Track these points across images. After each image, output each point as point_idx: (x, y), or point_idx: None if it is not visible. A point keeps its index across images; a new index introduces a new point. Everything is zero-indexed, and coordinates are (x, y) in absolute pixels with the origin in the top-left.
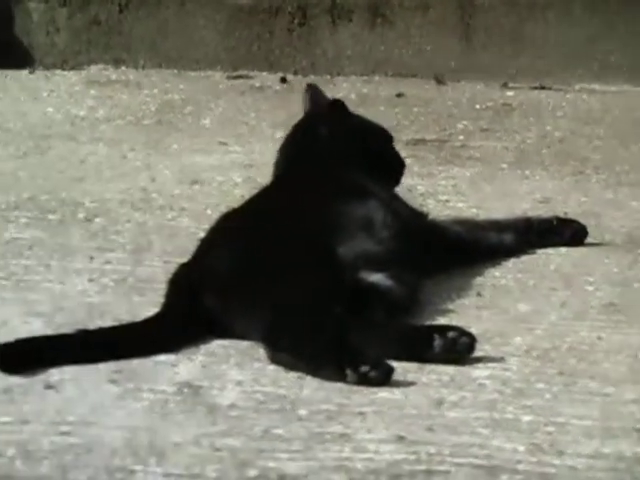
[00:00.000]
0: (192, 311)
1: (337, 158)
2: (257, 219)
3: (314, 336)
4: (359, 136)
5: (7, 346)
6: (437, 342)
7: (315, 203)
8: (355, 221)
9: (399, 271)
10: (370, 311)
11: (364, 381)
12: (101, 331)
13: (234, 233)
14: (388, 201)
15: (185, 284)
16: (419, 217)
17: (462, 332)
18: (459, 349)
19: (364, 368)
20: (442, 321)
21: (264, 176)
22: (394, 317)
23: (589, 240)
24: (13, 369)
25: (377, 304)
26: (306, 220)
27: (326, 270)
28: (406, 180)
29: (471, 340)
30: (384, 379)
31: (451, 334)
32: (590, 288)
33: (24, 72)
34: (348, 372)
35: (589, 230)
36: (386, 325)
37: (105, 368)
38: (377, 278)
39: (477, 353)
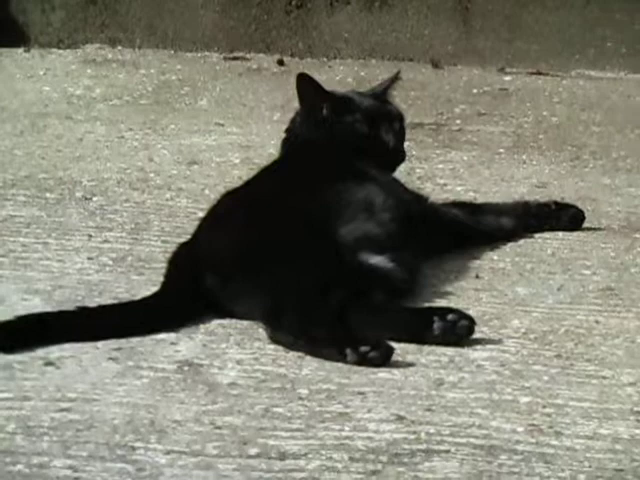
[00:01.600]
0: (192, 290)
1: (340, 141)
2: (258, 200)
3: (314, 317)
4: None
5: (6, 324)
6: (437, 324)
7: (316, 185)
8: (356, 203)
9: (399, 253)
10: (370, 293)
11: (364, 361)
12: (101, 309)
13: (235, 213)
14: (389, 185)
15: (185, 263)
16: (419, 200)
17: (461, 315)
18: (458, 332)
19: (364, 348)
20: (441, 303)
21: (262, 157)
22: (394, 299)
23: (586, 225)
24: (12, 347)
25: (377, 286)
26: (307, 202)
27: (326, 251)
28: (404, 163)
29: (470, 323)
30: (384, 360)
31: (450, 317)
32: (587, 272)
33: (19, 51)
34: (348, 352)
35: (586, 215)
36: (386, 307)
37: (105, 346)
38: (377, 260)
39: (476, 335)
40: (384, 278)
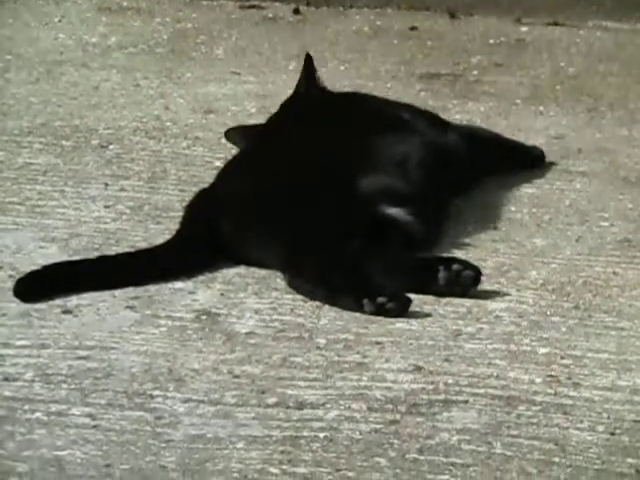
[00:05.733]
0: (208, 237)
1: None
2: (281, 147)
3: (333, 266)
4: None
5: (25, 277)
6: (442, 274)
7: (346, 134)
8: (383, 155)
9: (421, 207)
10: (386, 243)
11: (381, 312)
12: (117, 257)
13: (254, 161)
14: (426, 134)
15: (203, 210)
16: (457, 133)
17: (467, 265)
18: (463, 282)
19: (381, 299)
20: (458, 254)
21: (277, 106)
22: (411, 250)
23: (604, 176)
24: (34, 296)
25: (394, 237)
26: (332, 151)
27: (345, 201)
28: None
29: (475, 273)
30: (401, 311)
31: (455, 267)
32: (605, 224)
33: None
34: (365, 302)
35: (604, 167)
36: (394, 257)
37: (122, 294)
38: (395, 212)
39: (493, 286)
40: (401, 229)
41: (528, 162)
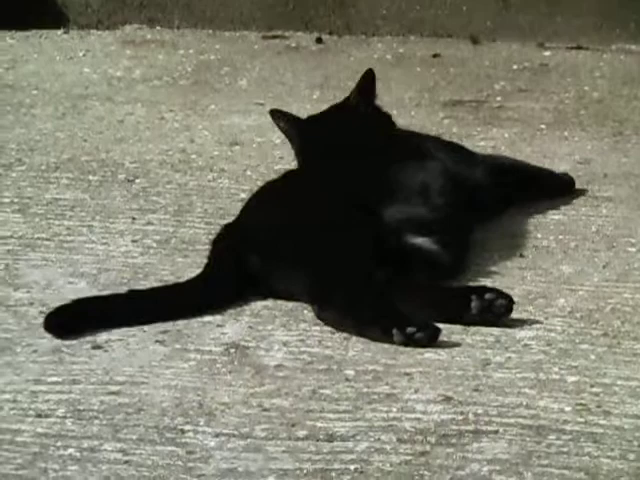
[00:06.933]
0: (236, 271)
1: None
2: (306, 180)
3: (361, 296)
4: None
5: (57, 311)
6: (474, 304)
7: (370, 164)
8: (408, 185)
9: (447, 236)
10: (413, 273)
11: (410, 342)
12: (147, 292)
13: (279, 193)
14: (451, 165)
15: (229, 244)
16: (483, 165)
17: (499, 293)
18: (496, 311)
19: (410, 329)
20: (485, 283)
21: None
22: (437, 280)
23: (631, 201)
24: (67, 332)
25: (420, 267)
26: (356, 181)
27: (370, 231)
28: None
29: (508, 302)
30: (430, 340)
31: (488, 295)
32: (632, 250)
33: (58, 32)
34: (394, 332)
35: (630, 191)
36: (425, 287)
37: (151, 329)
38: (421, 241)
39: (521, 314)
40: (427, 259)
41: (557, 190)
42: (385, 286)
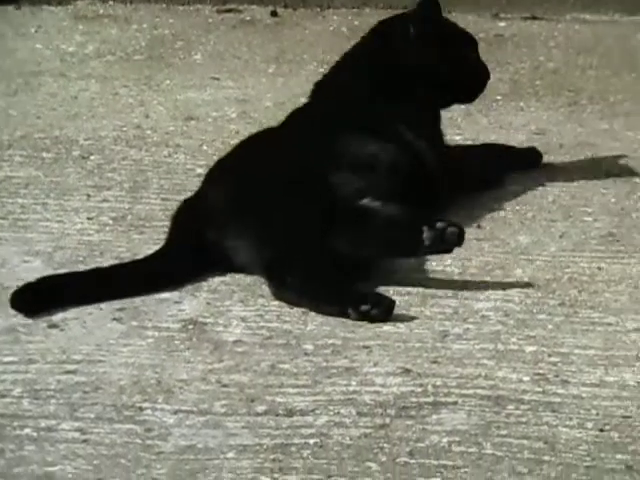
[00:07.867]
0: (195, 247)
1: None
2: (262, 152)
3: (314, 276)
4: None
5: (25, 287)
6: (426, 234)
7: (325, 135)
8: (359, 159)
9: (401, 203)
10: (369, 239)
11: (366, 319)
12: (103, 270)
13: (237, 167)
14: (411, 140)
15: (187, 219)
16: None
17: (450, 223)
18: (448, 239)
19: (365, 307)
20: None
21: (259, 111)
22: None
23: (586, 171)
24: (32, 310)
25: (376, 231)
26: (310, 154)
27: (324, 203)
28: None
29: (459, 230)
30: (386, 315)
31: (439, 225)
32: (589, 219)
33: (10, 8)
34: (350, 311)
35: (586, 161)
36: (378, 225)
37: (108, 307)
38: (376, 204)
39: (479, 286)
40: (382, 216)
41: (525, 165)
42: (339, 256)
